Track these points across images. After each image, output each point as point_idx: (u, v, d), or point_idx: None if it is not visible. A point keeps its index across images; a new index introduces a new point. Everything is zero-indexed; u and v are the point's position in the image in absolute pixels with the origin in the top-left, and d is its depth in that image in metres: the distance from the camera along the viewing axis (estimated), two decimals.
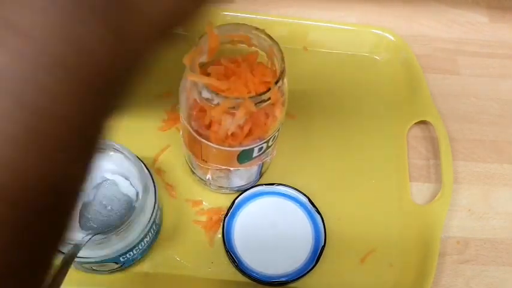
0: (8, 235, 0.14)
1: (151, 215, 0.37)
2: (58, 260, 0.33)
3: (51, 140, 0.14)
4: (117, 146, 0.37)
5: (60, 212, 0.16)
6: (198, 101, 0.34)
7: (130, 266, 0.41)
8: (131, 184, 0.39)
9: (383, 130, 0.51)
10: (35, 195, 0.14)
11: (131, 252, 0.38)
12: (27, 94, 0.13)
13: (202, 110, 0.35)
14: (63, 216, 0.17)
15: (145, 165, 0.38)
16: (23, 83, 0.13)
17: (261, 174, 0.45)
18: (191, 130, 0.37)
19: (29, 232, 0.15)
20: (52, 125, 0.14)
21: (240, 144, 0.36)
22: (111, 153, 0.38)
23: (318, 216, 0.44)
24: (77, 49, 0.14)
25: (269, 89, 0.33)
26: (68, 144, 0.15)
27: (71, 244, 0.33)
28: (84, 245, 0.33)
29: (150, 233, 0.39)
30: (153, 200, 0.38)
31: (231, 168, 0.40)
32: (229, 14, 0.54)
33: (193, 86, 0.34)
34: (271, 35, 0.36)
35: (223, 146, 0.36)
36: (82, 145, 0.15)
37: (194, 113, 0.36)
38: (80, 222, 0.36)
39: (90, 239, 0.34)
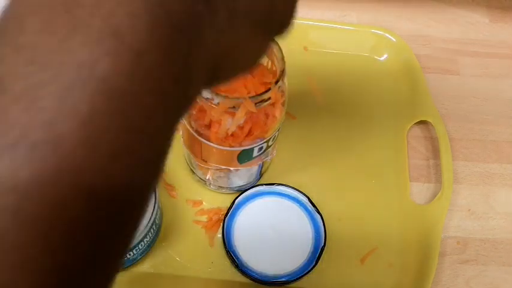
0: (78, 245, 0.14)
1: (151, 215, 0.37)
2: None
3: (139, 158, 0.15)
4: None
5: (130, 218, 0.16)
6: (198, 100, 0.34)
7: (130, 266, 0.41)
8: None
9: (383, 130, 0.51)
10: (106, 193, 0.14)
11: (131, 252, 0.38)
12: (132, 112, 0.14)
13: (202, 110, 0.35)
14: (131, 222, 0.17)
15: None
16: (131, 101, 0.14)
17: (261, 174, 0.45)
18: (191, 130, 0.37)
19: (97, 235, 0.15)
20: (144, 143, 0.15)
21: (240, 144, 0.36)
22: None
23: (318, 216, 0.44)
24: (170, 75, 0.15)
25: (269, 89, 0.33)
26: (152, 164, 0.16)
27: None
28: None
29: (150, 233, 0.39)
30: (153, 200, 0.38)
31: (231, 168, 0.40)
32: None
33: None
34: None
35: (223, 145, 0.36)
36: (160, 163, 0.17)
37: (194, 112, 0.36)
38: None
39: None
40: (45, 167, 0.13)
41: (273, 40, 0.24)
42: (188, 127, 0.37)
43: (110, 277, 0.16)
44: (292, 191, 0.45)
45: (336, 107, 0.52)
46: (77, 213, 0.13)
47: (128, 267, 0.41)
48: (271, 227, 0.43)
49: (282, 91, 0.36)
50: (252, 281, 0.41)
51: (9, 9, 0.14)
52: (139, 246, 0.38)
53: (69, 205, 0.13)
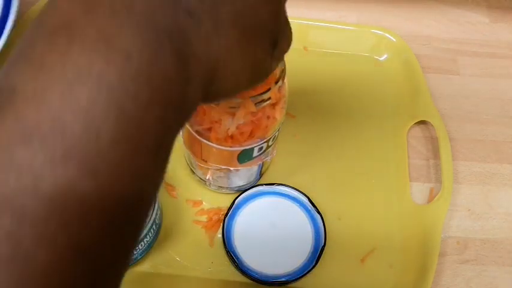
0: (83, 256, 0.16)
1: (152, 215, 0.37)
2: None
3: (137, 143, 0.17)
4: None
5: (134, 224, 0.18)
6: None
7: (130, 266, 0.40)
8: None
9: (383, 130, 0.51)
10: (114, 203, 0.16)
11: None
12: (126, 104, 0.16)
13: (202, 110, 0.35)
14: (135, 230, 0.19)
15: None
16: (124, 94, 0.16)
17: (261, 174, 0.45)
18: (191, 130, 0.37)
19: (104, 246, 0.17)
20: (140, 131, 0.17)
21: (240, 144, 0.36)
22: None
23: (318, 216, 0.44)
24: (160, 73, 0.17)
25: (269, 89, 0.33)
26: (150, 151, 0.17)
27: None
28: None
29: (150, 233, 0.39)
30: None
31: (231, 168, 0.40)
32: None
33: None
34: None
35: (223, 145, 0.36)
36: (160, 154, 0.18)
37: (194, 112, 0.36)
38: None
39: None
40: (55, 154, 0.15)
41: (276, 58, 0.25)
42: (188, 127, 0.37)
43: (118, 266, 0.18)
44: (292, 191, 0.45)
45: (335, 106, 0.52)
46: (84, 190, 0.15)
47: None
48: (271, 227, 0.43)
49: (282, 91, 0.36)
50: (252, 281, 0.41)
51: (24, 36, 0.17)
52: (140, 246, 0.38)
53: (78, 185, 0.15)
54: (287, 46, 0.27)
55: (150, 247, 0.41)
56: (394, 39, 0.56)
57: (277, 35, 0.24)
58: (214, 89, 0.21)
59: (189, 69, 0.18)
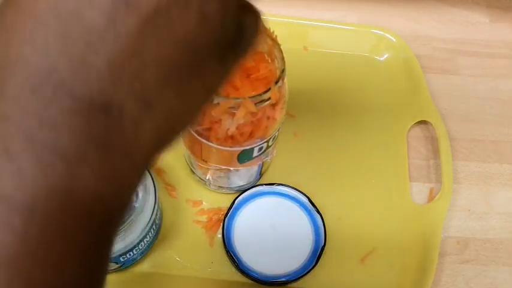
0: None
1: (151, 215, 0.37)
2: None
3: None
4: None
5: None
6: None
7: (130, 266, 0.41)
8: None
9: (383, 130, 0.51)
10: None
11: (131, 252, 0.38)
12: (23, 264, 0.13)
13: (202, 113, 0.35)
14: None
15: None
16: (29, 259, 0.13)
17: (261, 174, 0.45)
18: (191, 130, 0.37)
19: None
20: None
21: (240, 145, 0.36)
22: None
23: (318, 216, 0.44)
24: (63, 203, 0.14)
25: (269, 89, 0.33)
26: None
27: None
28: None
29: (150, 233, 0.39)
30: (153, 200, 0.38)
31: (231, 168, 0.40)
32: None
33: None
34: (271, 35, 0.36)
35: (223, 146, 0.36)
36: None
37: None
38: None
39: None
40: None
41: (235, 58, 0.19)
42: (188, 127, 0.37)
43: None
44: (292, 191, 0.45)
45: (335, 107, 0.52)
46: None
47: (127, 267, 0.41)
48: (271, 227, 0.43)
49: (282, 91, 0.36)
50: (252, 281, 0.41)
51: None
52: (139, 246, 0.38)
53: None
54: (251, 35, 0.20)
55: (150, 247, 0.41)
56: (394, 39, 0.56)
57: (228, 36, 0.18)
58: (163, 143, 0.17)
59: (116, 178, 0.15)
